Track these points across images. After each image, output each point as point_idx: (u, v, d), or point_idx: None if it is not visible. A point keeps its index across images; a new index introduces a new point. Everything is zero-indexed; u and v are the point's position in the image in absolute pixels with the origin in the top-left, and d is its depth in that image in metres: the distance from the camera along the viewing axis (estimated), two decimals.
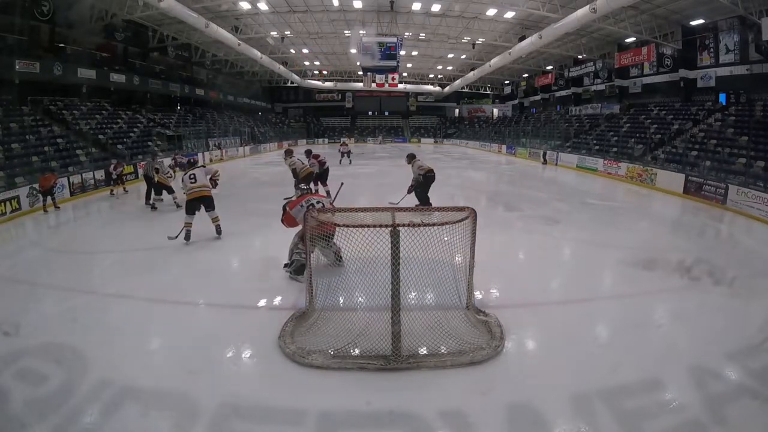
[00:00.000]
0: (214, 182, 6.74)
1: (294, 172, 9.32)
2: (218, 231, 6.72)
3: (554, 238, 7.12)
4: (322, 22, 22.06)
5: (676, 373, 3.16)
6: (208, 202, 6.53)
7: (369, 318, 3.54)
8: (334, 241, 4.58)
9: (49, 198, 9.28)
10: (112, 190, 11.44)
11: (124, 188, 11.75)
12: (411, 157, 8.77)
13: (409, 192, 8.34)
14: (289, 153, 10.00)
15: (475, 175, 16.49)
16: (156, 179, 9.36)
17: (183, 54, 25.04)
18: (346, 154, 19.22)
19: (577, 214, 9.02)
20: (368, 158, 23.08)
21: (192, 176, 6.48)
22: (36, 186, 9.54)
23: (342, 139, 25.10)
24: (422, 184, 8.28)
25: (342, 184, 6.61)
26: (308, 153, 10.20)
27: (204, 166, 6.94)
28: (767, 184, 9.40)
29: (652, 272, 5.41)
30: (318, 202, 5.08)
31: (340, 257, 4.76)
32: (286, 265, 5.01)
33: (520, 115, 33.69)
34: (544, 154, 20.29)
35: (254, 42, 23.72)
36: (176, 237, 6.36)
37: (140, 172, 11.61)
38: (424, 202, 8.24)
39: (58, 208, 9.50)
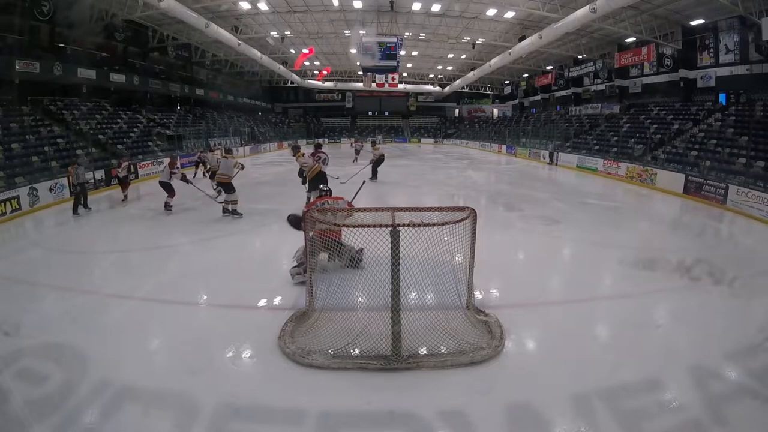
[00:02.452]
0: (239, 165, 8.53)
1: (300, 171, 8.77)
2: (235, 213, 8.11)
3: (554, 238, 7.12)
4: (322, 22, 22.06)
5: (676, 373, 3.16)
6: (225, 187, 8.13)
7: (369, 318, 3.54)
8: (350, 244, 4.39)
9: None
10: (125, 196, 10.44)
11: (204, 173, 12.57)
12: (373, 143, 14.48)
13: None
14: (296, 149, 9.27)
15: (475, 175, 16.48)
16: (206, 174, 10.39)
17: (183, 54, 25.03)
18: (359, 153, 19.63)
19: (577, 214, 9.02)
20: (367, 158, 23.04)
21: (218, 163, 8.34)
22: (36, 186, 9.57)
23: (352, 138, 25.10)
24: (374, 162, 13.31)
25: (364, 182, 6.87)
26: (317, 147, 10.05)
27: (232, 158, 8.66)
28: (767, 184, 9.40)
29: (652, 272, 5.42)
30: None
31: (360, 258, 4.59)
32: (294, 267, 4.88)
33: (520, 115, 33.67)
34: (551, 155, 20.25)
35: (254, 42, 23.72)
36: (230, 214, 8.08)
37: (71, 180, 9.54)
38: (374, 174, 13.12)
39: (89, 208, 9.21)
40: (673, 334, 3.90)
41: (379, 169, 13.38)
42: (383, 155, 13.68)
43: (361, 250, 4.44)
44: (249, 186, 13.04)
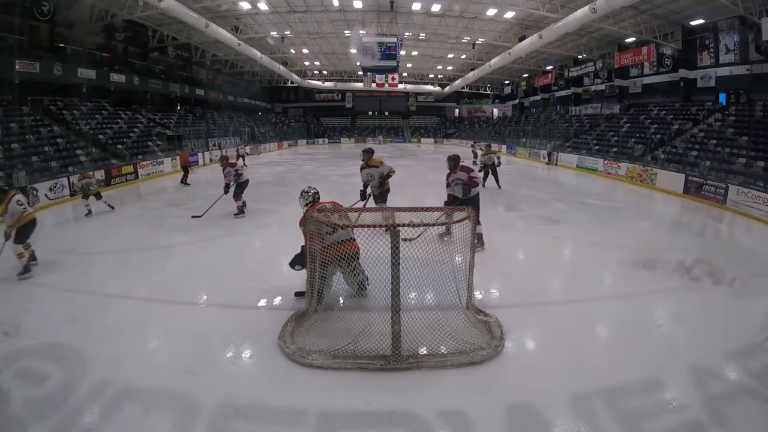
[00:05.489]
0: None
1: (382, 176, 6.68)
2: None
3: (554, 238, 7.12)
4: (322, 22, 22.07)
5: (676, 373, 3.16)
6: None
7: (369, 318, 3.54)
8: (362, 266, 4.04)
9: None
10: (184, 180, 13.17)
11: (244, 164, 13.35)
12: (487, 146, 12.42)
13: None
14: (369, 153, 6.89)
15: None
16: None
17: (183, 54, 25.04)
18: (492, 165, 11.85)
19: (577, 214, 9.02)
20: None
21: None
22: (36, 186, 9.58)
23: (472, 141, 21.20)
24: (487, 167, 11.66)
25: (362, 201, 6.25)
26: (363, 150, 6.98)
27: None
28: (767, 184, 9.40)
29: (652, 272, 5.41)
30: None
31: (365, 287, 4.12)
32: (297, 294, 4.46)
33: (520, 115, 33.68)
34: (549, 155, 20.27)
35: (254, 42, 23.73)
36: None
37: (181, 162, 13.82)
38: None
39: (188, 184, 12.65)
40: (673, 334, 3.90)
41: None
42: (495, 160, 11.64)
43: (367, 278, 4.09)
44: (249, 186, 13.05)
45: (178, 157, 14.99)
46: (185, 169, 13.52)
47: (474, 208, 5.57)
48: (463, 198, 5.81)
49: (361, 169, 6.79)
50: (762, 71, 14.86)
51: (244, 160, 17.66)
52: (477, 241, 5.60)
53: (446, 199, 6.10)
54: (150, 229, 7.78)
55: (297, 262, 4.33)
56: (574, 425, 2.66)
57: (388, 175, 6.67)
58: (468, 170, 6.03)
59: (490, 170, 11.62)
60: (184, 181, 13.09)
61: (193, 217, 8.14)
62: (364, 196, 6.66)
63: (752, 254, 6.77)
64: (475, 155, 17.48)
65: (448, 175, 6.17)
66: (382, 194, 6.72)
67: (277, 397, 2.94)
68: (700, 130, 15.00)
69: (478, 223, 5.70)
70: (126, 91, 20.62)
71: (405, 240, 3.27)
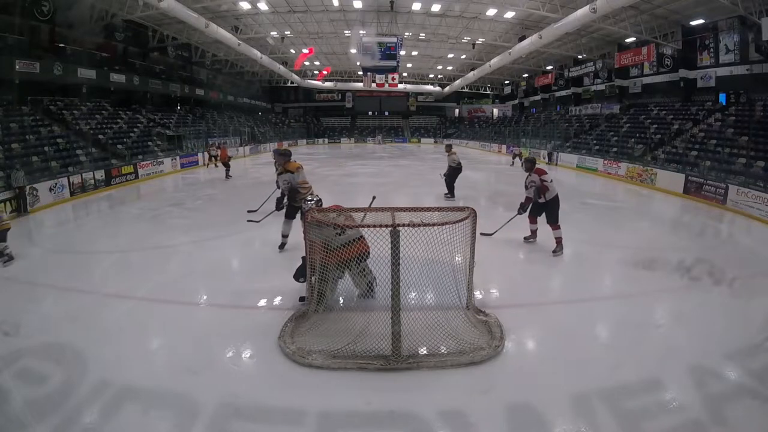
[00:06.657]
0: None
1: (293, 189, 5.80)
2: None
3: (555, 237, 7.10)
4: (322, 22, 22.08)
5: (676, 373, 3.16)
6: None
7: (369, 318, 3.53)
8: (370, 267, 3.98)
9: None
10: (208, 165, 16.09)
11: (216, 164, 16.11)
12: (448, 147, 10.57)
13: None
14: (285, 156, 6.01)
15: (474, 175, 16.45)
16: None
17: (183, 54, 25.02)
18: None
19: (577, 214, 9.01)
20: (367, 158, 23.10)
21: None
22: (36, 186, 9.59)
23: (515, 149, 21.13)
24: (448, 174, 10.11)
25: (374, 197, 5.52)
26: (278, 153, 6.18)
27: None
28: (767, 184, 9.40)
29: (652, 272, 5.41)
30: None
31: (373, 288, 3.98)
32: (301, 299, 4.34)
33: (520, 115, 33.69)
34: (549, 155, 20.24)
35: (254, 42, 23.73)
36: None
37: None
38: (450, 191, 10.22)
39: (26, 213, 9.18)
40: (673, 334, 3.90)
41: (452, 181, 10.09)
42: (460, 164, 10.19)
43: (375, 278, 3.98)
44: (249, 186, 13.06)
45: (219, 152, 16.45)
46: (226, 164, 14.65)
47: (553, 211, 5.88)
48: (540, 202, 5.98)
49: (278, 174, 5.81)
50: (762, 71, 14.85)
51: (215, 162, 17.24)
52: (556, 245, 5.90)
53: (522, 201, 6.19)
54: (150, 229, 7.78)
55: (301, 274, 4.25)
56: (574, 425, 2.66)
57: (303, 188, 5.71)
58: (542, 173, 6.01)
59: (450, 174, 10.16)
60: (227, 175, 14.30)
61: (248, 212, 8.18)
62: (280, 203, 5.88)
63: (752, 254, 6.77)
64: (515, 155, 18.93)
65: (526, 177, 6.15)
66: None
67: (277, 397, 2.94)
68: (700, 130, 14.99)
69: (558, 227, 5.92)
70: (126, 91, 20.61)
71: (483, 234, 3.32)
